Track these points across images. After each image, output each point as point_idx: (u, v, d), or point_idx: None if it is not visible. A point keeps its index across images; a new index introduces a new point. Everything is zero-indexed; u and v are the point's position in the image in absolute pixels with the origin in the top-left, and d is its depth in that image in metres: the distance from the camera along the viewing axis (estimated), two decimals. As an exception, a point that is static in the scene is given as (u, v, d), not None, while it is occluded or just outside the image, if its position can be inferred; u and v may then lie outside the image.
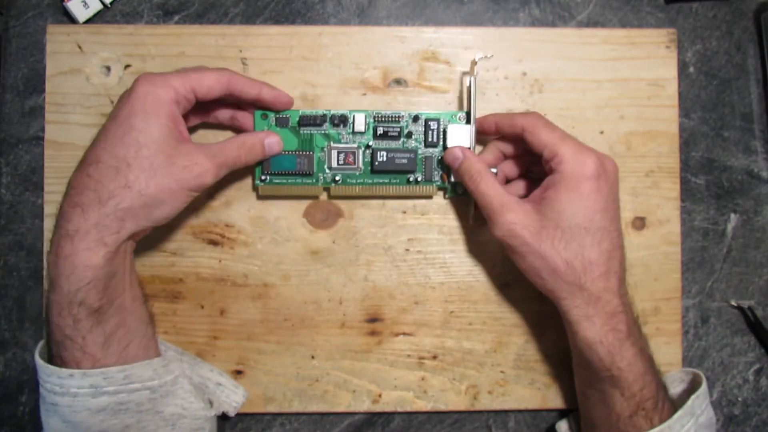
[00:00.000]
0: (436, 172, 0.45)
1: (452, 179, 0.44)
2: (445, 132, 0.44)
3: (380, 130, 0.44)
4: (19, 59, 0.46)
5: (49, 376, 0.37)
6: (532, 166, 0.44)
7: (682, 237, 0.47)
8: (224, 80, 0.40)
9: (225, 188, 0.46)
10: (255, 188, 0.45)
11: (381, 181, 0.45)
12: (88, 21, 0.46)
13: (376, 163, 0.44)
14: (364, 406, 0.46)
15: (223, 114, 0.44)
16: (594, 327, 0.38)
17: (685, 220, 0.47)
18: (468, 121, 0.44)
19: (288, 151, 0.44)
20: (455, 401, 0.46)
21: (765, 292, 0.48)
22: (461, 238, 0.46)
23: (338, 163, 0.44)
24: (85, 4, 0.46)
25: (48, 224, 0.45)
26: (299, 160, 0.43)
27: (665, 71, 0.47)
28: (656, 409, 0.38)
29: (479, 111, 0.46)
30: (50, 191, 0.45)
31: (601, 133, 0.46)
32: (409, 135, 0.44)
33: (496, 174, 0.43)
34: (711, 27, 0.48)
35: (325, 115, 0.44)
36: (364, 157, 0.44)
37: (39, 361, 0.37)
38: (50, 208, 0.46)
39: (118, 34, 0.46)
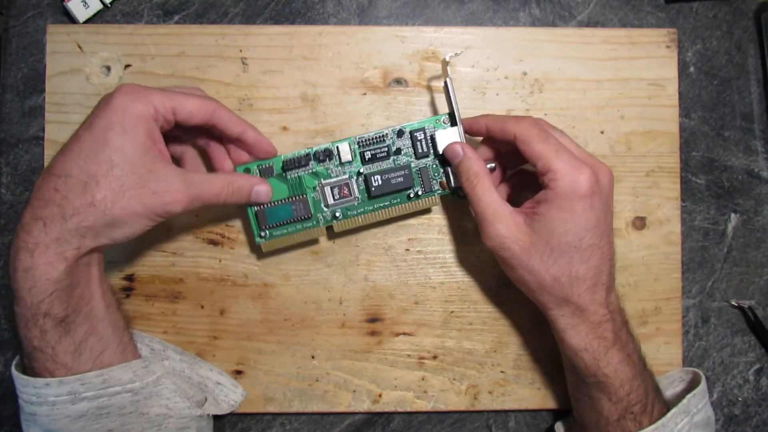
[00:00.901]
0: (434, 182, 0.44)
1: (452, 184, 0.43)
2: (433, 139, 0.43)
3: (368, 155, 0.43)
4: (19, 59, 0.46)
5: (25, 386, 0.36)
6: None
7: (682, 237, 0.47)
8: (208, 110, 0.38)
9: (225, 188, 0.45)
10: (257, 246, 0.44)
11: (382, 204, 0.43)
12: (88, 21, 0.46)
13: (373, 189, 0.42)
14: (364, 406, 0.46)
15: (201, 140, 0.42)
16: (579, 335, 0.38)
17: (685, 220, 0.47)
18: (453, 123, 0.43)
19: (280, 200, 0.42)
20: (455, 401, 0.46)
21: (765, 292, 0.48)
22: (461, 238, 0.46)
23: (334, 199, 0.43)
24: (85, 4, 0.46)
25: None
26: (294, 207, 0.42)
27: (665, 71, 0.47)
28: (645, 413, 0.38)
29: (479, 111, 0.46)
30: (50, 191, 0.45)
31: (602, 133, 0.46)
32: (398, 151, 0.43)
33: (494, 168, 0.42)
34: (711, 27, 0.48)
35: (308, 154, 0.42)
36: (358, 185, 0.43)
37: (15, 373, 0.36)
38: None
39: (118, 33, 0.46)
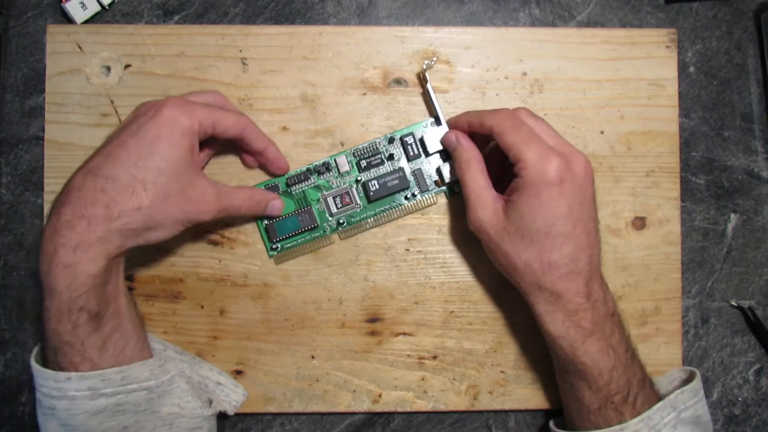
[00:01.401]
0: (429, 180, 0.45)
1: (447, 181, 0.45)
2: (422, 141, 0.45)
3: (364, 163, 0.45)
4: (19, 59, 0.46)
5: (46, 380, 0.36)
6: None
7: (682, 237, 0.47)
8: (241, 126, 0.41)
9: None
10: (270, 258, 0.46)
11: (382, 208, 0.45)
12: (86, 22, 0.46)
13: (371, 193, 0.44)
14: (364, 406, 0.46)
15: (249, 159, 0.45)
16: (556, 322, 0.39)
17: (685, 220, 0.47)
18: (439, 124, 0.44)
19: (288, 214, 0.45)
20: (455, 401, 0.46)
21: (765, 292, 0.48)
22: (461, 238, 0.46)
23: (337, 208, 0.45)
24: (83, 6, 0.46)
25: (48, 224, 0.45)
26: (301, 218, 0.45)
27: (665, 71, 0.47)
28: (626, 403, 0.38)
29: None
30: (50, 191, 0.45)
31: (601, 133, 0.46)
32: (391, 157, 0.45)
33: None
34: (711, 27, 0.48)
35: (309, 169, 0.45)
36: (358, 192, 0.45)
37: (35, 366, 0.37)
38: (50, 209, 0.46)
39: (118, 34, 0.46)
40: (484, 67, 0.46)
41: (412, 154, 0.45)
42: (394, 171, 0.45)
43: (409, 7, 0.47)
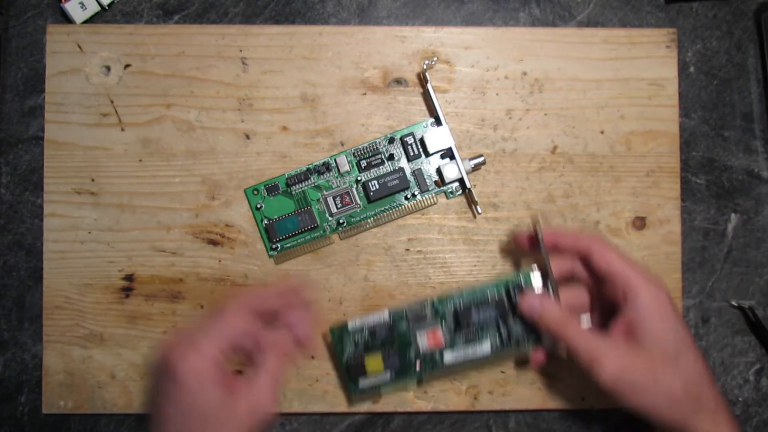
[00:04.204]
0: (429, 180, 0.45)
1: (446, 182, 0.44)
2: (423, 141, 0.45)
3: (364, 163, 0.45)
4: (19, 59, 0.46)
5: None
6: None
7: (682, 237, 0.47)
8: (246, 309, 0.38)
9: (225, 188, 0.46)
10: (270, 258, 0.46)
11: (382, 208, 0.45)
12: (85, 22, 0.46)
13: (371, 193, 0.44)
14: (364, 406, 0.46)
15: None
16: None
17: (685, 220, 0.47)
18: (439, 124, 0.44)
19: (288, 214, 0.45)
20: (455, 401, 0.46)
21: (765, 292, 0.48)
22: (461, 238, 0.46)
23: (337, 208, 0.45)
24: (83, 6, 0.46)
25: (48, 224, 0.45)
26: (301, 218, 0.44)
27: (665, 71, 0.47)
28: None
29: (479, 111, 0.46)
30: (50, 191, 0.45)
31: (601, 133, 0.46)
32: (392, 157, 0.45)
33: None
34: (711, 27, 0.48)
35: (309, 169, 0.45)
36: (358, 192, 0.45)
37: None
38: (50, 208, 0.46)
39: (118, 33, 0.46)
40: (484, 67, 0.46)
41: (412, 154, 0.45)
42: (394, 171, 0.45)
43: (409, 7, 0.47)
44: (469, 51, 0.46)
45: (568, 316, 0.39)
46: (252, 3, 0.47)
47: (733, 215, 0.48)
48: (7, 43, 0.47)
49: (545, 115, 0.46)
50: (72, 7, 0.45)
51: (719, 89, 0.48)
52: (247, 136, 0.46)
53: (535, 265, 0.42)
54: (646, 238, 0.46)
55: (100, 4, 0.46)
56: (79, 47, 0.46)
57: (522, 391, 0.46)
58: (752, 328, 0.47)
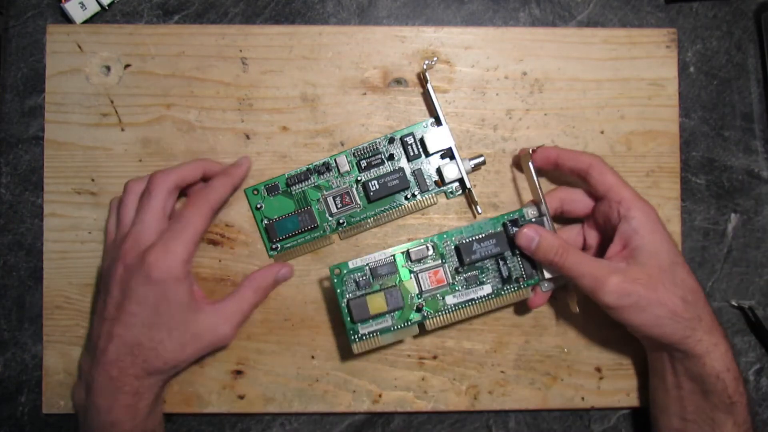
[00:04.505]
0: (429, 180, 0.45)
1: (446, 182, 0.44)
2: (423, 141, 0.45)
3: (364, 163, 0.45)
4: (19, 59, 0.46)
5: None
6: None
7: (682, 237, 0.47)
8: (208, 208, 0.42)
9: (225, 188, 0.46)
10: (270, 258, 0.46)
11: (382, 208, 0.45)
12: (85, 22, 0.46)
13: (371, 193, 0.44)
14: (364, 406, 0.46)
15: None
16: (720, 355, 0.39)
17: (685, 220, 0.47)
18: (439, 124, 0.44)
19: (288, 214, 0.45)
20: (455, 401, 0.46)
21: (765, 292, 0.48)
22: (461, 238, 0.46)
23: (337, 208, 0.45)
24: (83, 6, 0.46)
25: (48, 224, 0.45)
26: (301, 218, 0.44)
27: (665, 71, 0.47)
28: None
29: (479, 111, 0.46)
30: (50, 191, 0.45)
31: (601, 133, 0.46)
32: (392, 157, 0.45)
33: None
34: (711, 27, 0.48)
35: (309, 169, 0.45)
36: (358, 192, 0.45)
37: None
38: (50, 208, 0.45)
39: (118, 33, 0.46)
40: (484, 67, 0.46)
41: (412, 154, 0.45)
42: (394, 171, 0.45)
43: (409, 7, 0.47)
44: (469, 51, 0.46)
45: (566, 244, 0.40)
46: (252, 3, 0.47)
47: (733, 215, 0.48)
48: (7, 43, 0.47)
49: (545, 115, 0.46)
50: (72, 7, 0.45)
51: (719, 89, 0.48)
52: (247, 136, 0.46)
53: (531, 202, 0.44)
54: (646, 238, 0.46)
55: (100, 4, 0.46)
56: (79, 47, 0.46)
57: (522, 391, 0.46)
58: (752, 328, 0.47)
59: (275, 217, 0.45)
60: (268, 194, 0.45)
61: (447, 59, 0.46)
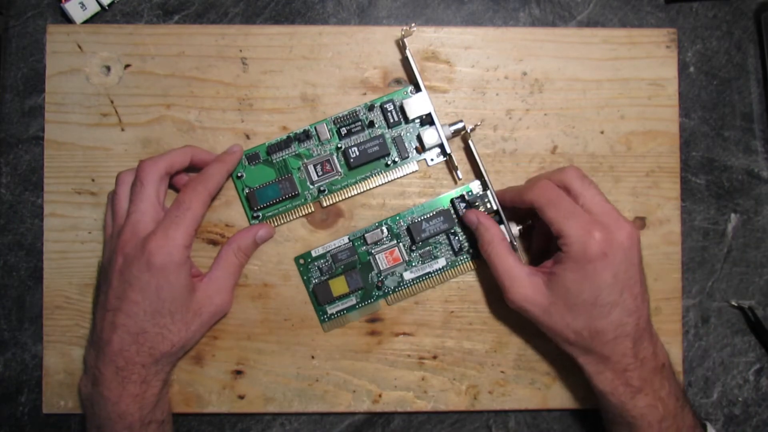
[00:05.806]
0: (409, 147, 0.45)
1: (426, 148, 0.45)
2: (402, 108, 0.45)
3: (344, 131, 0.45)
4: (19, 59, 0.46)
5: None
6: None
7: (682, 237, 0.47)
8: (205, 194, 0.42)
9: (225, 188, 0.46)
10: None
11: (363, 175, 0.45)
12: (85, 22, 0.46)
13: (351, 160, 0.44)
14: (364, 406, 0.46)
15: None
16: (605, 381, 0.40)
17: (685, 220, 0.47)
18: (418, 90, 0.45)
19: (269, 182, 0.45)
20: (455, 401, 0.46)
21: (765, 292, 0.48)
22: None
23: (318, 175, 0.45)
24: (83, 6, 0.46)
25: (48, 224, 0.45)
26: (281, 186, 0.44)
27: (665, 71, 0.47)
28: None
29: (479, 111, 0.46)
30: (50, 191, 0.45)
31: (601, 132, 0.46)
32: (372, 124, 0.45)
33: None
34: (711, 27, 0.48)
35: (289, 137, 0.45)
36: (339, 160, 0.45)
37: None
38: (50, 208, 0.46)
39: (118, 33, 0.46)
40: (484, 67, 0.46)
41: (392, 121, 0.45)
42: (374, 138, 0.45)
43: (409, 7, 0.47)
44: (469, 51, 0.46)
45: (499, 237, 0.42)
46: (252, 3, 0.47)
47: (733, 215, 0.48)
48: (7, 43, 0.47)
49: (545, 115, 0.46)
50: (72, 7, 0.45)
51: (719, 89, 0.48)
52: (247, 136, 0.46)
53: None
54: (646, 238, 0.46)
55: (100, 4, 0.46)
56: (79, 47, 0.46)
57: (522, 391, 0.46)
58: (752, 328, 0.47)
59: (256, 185, 0.45)
60: (248, 163, 0.45)
61: (447, 59, 0.46)
